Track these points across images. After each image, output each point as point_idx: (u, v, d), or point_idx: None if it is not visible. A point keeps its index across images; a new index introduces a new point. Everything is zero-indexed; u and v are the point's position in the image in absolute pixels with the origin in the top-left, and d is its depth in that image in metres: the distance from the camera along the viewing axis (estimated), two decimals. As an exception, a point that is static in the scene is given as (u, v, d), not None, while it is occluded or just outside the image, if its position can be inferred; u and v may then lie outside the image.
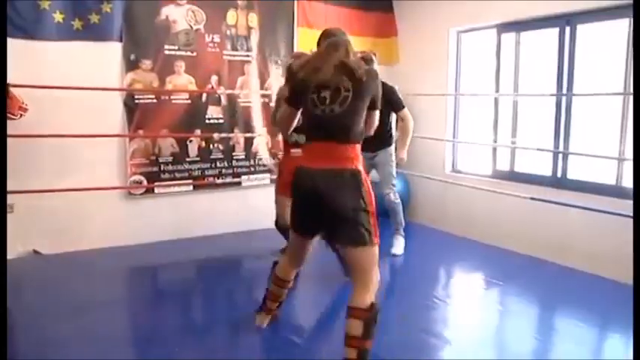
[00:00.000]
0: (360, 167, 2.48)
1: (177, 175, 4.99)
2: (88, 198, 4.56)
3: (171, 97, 4.89)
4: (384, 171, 4.49)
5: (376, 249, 2.47)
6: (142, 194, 4.89)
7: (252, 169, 5.38)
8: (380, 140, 4.15)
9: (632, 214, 3.70)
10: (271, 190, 4.10)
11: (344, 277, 3.64)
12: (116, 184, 4.76)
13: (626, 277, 3.84)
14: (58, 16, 4.34)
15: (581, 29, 4.46)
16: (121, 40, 4.63)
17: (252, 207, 5.31)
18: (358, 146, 2.50)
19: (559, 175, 4.61)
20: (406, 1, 5.88)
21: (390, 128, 4.47)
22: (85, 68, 4.46)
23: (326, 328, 3.34)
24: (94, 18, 4.48)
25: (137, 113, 4.76)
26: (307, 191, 2.49)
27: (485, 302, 3.70)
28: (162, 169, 4.92)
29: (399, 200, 4.54)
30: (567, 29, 4.51)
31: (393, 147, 4.51)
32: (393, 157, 4.49)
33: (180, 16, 4.85)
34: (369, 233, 2.43)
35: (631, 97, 4.13)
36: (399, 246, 4.63)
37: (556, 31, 4.60)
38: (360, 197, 2.42)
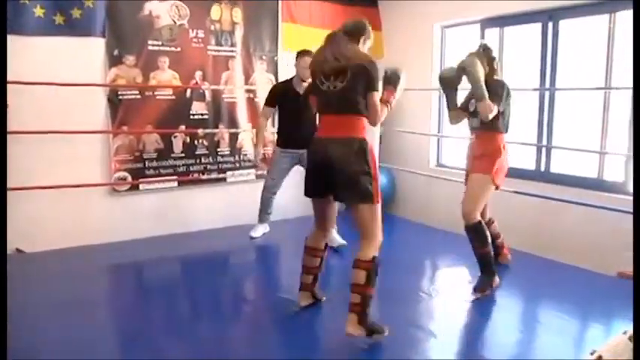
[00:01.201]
0: (366, 136, 2.83)
1: (162, 171, 5.00)
2: (71, 195, 4.55)
3: (155, 92, 4.89)
4: None
5: (378, 208, 2.84)
6: (126, 191, 4.89)
7: (237, 164, 5.40)
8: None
9: (613, 207, 3.87)
10: (256, 186, 4.10)
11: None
12: (100, 181, 4.75)
13: (606, 268, 3.96)
14: (38, 11, 4.31)
15: (564, 24, 4.52)
16: (104, 36, 4.62)
17: (238, 203, 5.32)
18: (364, 119, 2.84)
19: (542, 168, 4.67)
20: (391, -5, 5.90)
21: None
22: (67, 64, 4.43)
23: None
24: (76, 13, 4.45)
25: (121, 109, 4.75)
26: (320, 157, 2.87)
27: (470, 295, 3.69)
28: (146, 165, 4.93)
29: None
30: (550, 24, 4.58)
31: None
32: None
33: (163, 12, 4.84)
34: (372, 193, 2.79)
35: (612, 92, 4.21)
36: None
37: (539, 26, 4.66)
38: (364, 162, 2.79)
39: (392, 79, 3.02)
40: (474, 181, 3.65)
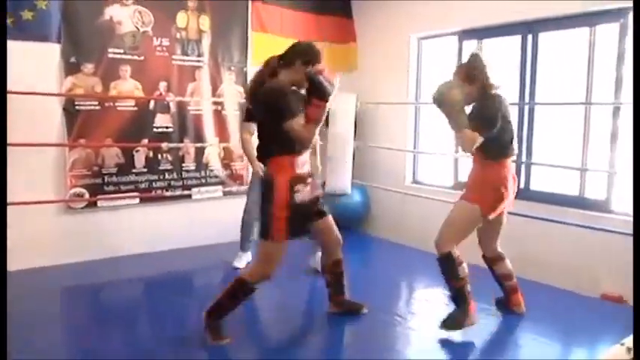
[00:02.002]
0: (280, 170, 2.93)
1: (123, 187, 4.86)
2: (22, 213, 4.29)
3: (116, 103, 4.75)
4: None
5: (274, 246, 2.97)
6: (83, 208, 4.72)
7: (203, 180, 5.27)
8: None
9: (595, 226, 3.83)
10: (224, 204, 3.99)
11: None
12: (54, 198, 4.56)
13: (588, 289, 3.90)
14: (-18, 11, 4.12)
15: (544, 37, 4.51)
16: (59, 41, 4.44)
17: (204, 221, 5.19)
18: (280, 157, 2.93)
19: (522, 186, 4.59)
20: (366, 6, 5.87)
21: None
22: (18, 70, 4.17)
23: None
24: (27, 14, 4.26)
25: (78, 120, 4.58)
26: None
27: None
28: (105, 180, 4.77)
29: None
30: (529, 37, 4.57)
31: None
32: None
33: (125, 17, 4.71)
34: (267, 230, 2.95)
35: (593, 107, 4.19)
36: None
37: (518, 38, 4.64)
38: (268, 199, 2.94)
39: (313, 88, 2.86)
40: (455, 208, 3.40)
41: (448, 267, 3.29)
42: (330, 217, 3.30)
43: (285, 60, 2.96)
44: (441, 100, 3.20)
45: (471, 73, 3.27)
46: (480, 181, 3.37)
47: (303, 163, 3.01)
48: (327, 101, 2.86)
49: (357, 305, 3.59)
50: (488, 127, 3.18)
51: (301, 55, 2.94)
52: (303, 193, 2.94)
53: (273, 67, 2.96)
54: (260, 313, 3.81)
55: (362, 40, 6.02)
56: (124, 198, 4.84)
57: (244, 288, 3.05)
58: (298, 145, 2.91)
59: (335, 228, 3.35)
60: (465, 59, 3.47)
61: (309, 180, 3.04)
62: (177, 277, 4.56)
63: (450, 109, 3.19)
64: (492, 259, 3.62)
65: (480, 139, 3.16)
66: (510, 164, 3.42)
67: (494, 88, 3.31)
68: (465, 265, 3.29)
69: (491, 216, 3.35)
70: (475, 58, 3.35)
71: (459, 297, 3.32)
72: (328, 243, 3.36)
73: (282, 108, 2.80)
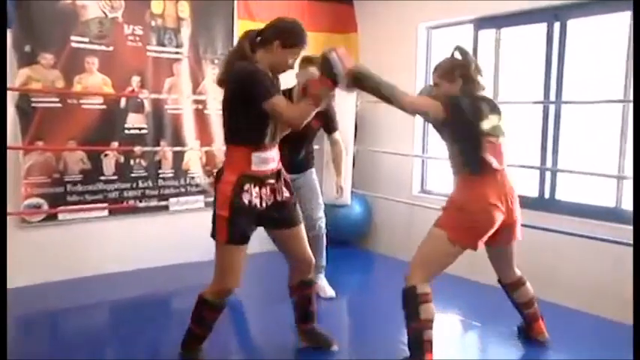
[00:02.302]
0: (237, 165, 2.71)
1: (89, 197, 4.54)
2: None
3: (81, 100, 4.43)
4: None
5: (227, 248, 2.74)
6: (41, 222, 4.34)
7: (183, 189, 4.99)
8: (300, 162, 4.05)
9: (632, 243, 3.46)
10: (206, 216, 3.72)
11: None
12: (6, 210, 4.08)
13: (623, 316, 3.59)
14: None
15: (573, 25, 4.21)
16: (10, 27, 4.00)
17: (183, 235, 4.87)
18: (239, 147, 2.71)
19: (546, 195, 4.40)
20: (367, -8, 5.62)
21: (313, 149, 4.21)
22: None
23: None
24: (-30, -5, 3.88)
25: (35, 120, 4.22)
26: None
27: (462, 348, 3.42)
28: (68, 189, 4.43)
29: (322, 229, 4.16)
30: (556, 25, 4.26)
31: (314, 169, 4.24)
32: (316, 183, 4.21)
33: (91, 1, 4.36)
34: (216, 229, 2.76)
35: (631, 105, 3.84)
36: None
37: (543, 26, 4.34)
38: (216, 196, 2.76)
39: (325, 66, 2.68)
40: (427, 235, 3.01)
41: (408, 304, 2.89)
42: (299, 228, 2.99)
43: (263, 38, 2.71)
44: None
45: (452, 71, 3.01)
46: (457, 201, 2.97)
47: (266, 159, 2.76)
48: (334, 83, 2.67)
49: (326, 339, 3.22)
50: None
51: (281, 35, 2.69)
52: (254, 195, 2.71)
53: (247, 44, 2.70)
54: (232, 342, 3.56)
55: (364, 29, 5.77)
56: (90, 210, 4.55)
57: (207, 307, 2.86)
58: (286, 125, 2.74)
59: (305, 242, 3.03)
60: (451, 53, 3.13)
61: (271, 181, 2.80)
62: (151, 300, 4.27)
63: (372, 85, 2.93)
64: (510, 285, 3.30)
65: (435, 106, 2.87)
66: (504, 177, 2.99)
67: (480, 89, 3.02)
68: (431, 305, 2.87)
69: (479, 247, 2.94)
70: (460, 54, 3.06)
71: (412, 343, 2.89)
72: (295, 258, 3.04)
73: (256, 88, 2.59)
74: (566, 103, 4.26)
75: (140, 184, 4.77)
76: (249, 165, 2.69)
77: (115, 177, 4.64)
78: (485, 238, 2.94)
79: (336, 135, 4.08)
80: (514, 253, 3.21)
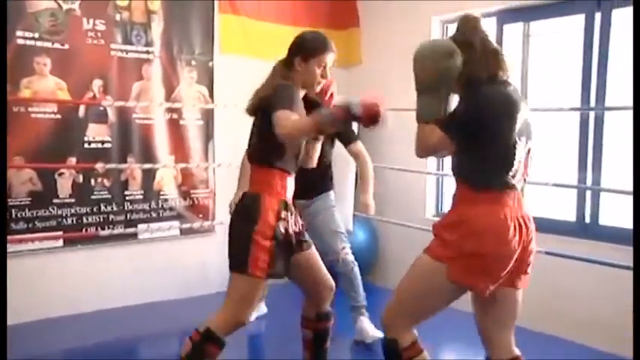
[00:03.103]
0: (266, 187, 2.69)
1: (39, 224, 4.30)
2: None
3: (30, 108, 4.21)
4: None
5: (251, 281, 2.65)
6: None
7: (154, 214, 4.80)
8: (317, 182, 3.89)
9: None
10: (181, 245, 3.50)
11: None
12: None
13: None
14: None
15: (619, 15, 3.93)
16: None
17: (154, 269, 4.68)
18: (265, 168, 2.69)
19: (587, 220, 4.17)
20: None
21: (331, 165, 4.06)
22: None
23: None
24: None
25: None
26: None
27: None
28: (14, 215, 4.19)
29: (350, 262, 3.93)
30: (597, 16, 4.00)
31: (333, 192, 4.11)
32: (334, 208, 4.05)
33: None
34: (244, 260, 2.67)
35: None
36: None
37: (581, 18, 4.10)
38: (247, 222, 2.67)
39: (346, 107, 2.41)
40: (413, 265, 2.46)
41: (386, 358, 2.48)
42: (315, 250, 2.94)
43: (286, 61, 2.76)
44: (415, 60, 2.32)
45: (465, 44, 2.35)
46: (457, 224, 2.31)
47: (292, 184, 2.78)
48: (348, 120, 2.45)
49: None
50: (459, 127, 2.25)
51: (297, 50, 2.74)
52: (291, 224, 2.74)
53: (280, 69, 2.78)
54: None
55: (367, 24, 5.63)
56: (41, 239, 4.32)
57: (212, 342, 2.65)
58: (280, 137, 2.59)
59: (322, 265, 2.95)
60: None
61: (294, 208, 2.82)
62: (114, 349, 3.98)
63: (424, 78, 2.30)
64: None
65: (439, 140, 2.24)
66: (516, 198, 2.33)
67: (503, 75, 2.34)
68: (425, 358, 2.42)
69: (488, 291, 2.29)
70: (469, 21, 2.41)
71: None
72: (316, 285, 2.94)
73: (272, 99, 2.56)
74: (609, 109, 4.01)
75: (103, 208, 4.55)
76: (285, 190, 2.72)
77: (72, 200, 4.42)
78: (501, 279, 2.31)
79: (358, 145, 3.93)
80: (516, 312, 2.46)
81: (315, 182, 3.77)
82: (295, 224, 2.81)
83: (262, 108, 2.66)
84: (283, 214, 2.68)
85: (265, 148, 2.69)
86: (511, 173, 2.24)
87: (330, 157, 3.98)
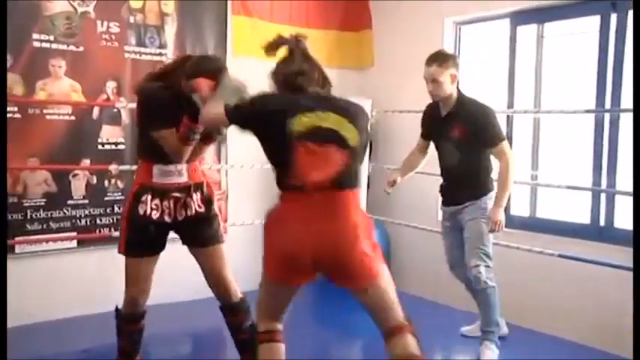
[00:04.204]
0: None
1: (54, 225, 4.34)
2: None
3: (45, 110, 4.26)
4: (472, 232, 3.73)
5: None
6: None
7: None
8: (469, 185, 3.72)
9: None
10: None
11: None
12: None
13: None
14: None
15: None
16: None
17: (165, 270, 4.28)
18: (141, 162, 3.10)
19: (602, 222, 4.14)
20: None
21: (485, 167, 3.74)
22: None
23: None
24: None
25: None
26: None
27: None
28: (29, 216, 4.22)
29: (493, 283, 3.62)
30: (613, 17, 3.98)
31: (488, 197, 3.71)
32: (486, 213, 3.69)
33: None
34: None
35: None
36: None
37: (596, 19, 4.09)
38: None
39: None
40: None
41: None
42: (215, 249, 3.08)
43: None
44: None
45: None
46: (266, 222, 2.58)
47: (169, 171, 2.96)
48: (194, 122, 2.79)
49: None
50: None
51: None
52: (153, 207, 2.93)
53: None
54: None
55: (380, 26, 5.63)
56: (55, 240, 4.35)
57: (120, 318, 3.14)
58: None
59: (219, 265, 3.08)
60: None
61: (178, 194, 2.96)
62: None
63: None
64: None
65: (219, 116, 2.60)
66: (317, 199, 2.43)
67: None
68: (276, 345, 2.65)
69: (277, 277, 2.54)
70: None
71: None
72: (207, 280, 3.14)
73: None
74: (624, 111, 3.98)
75: (116, 209, 4.56)
76: (149, 177, 2.95)
77: (86, 201, 4.47)
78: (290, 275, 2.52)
79: (503, 146, 3.60)
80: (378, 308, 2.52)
81: (468, 186, 3.67)
82: (174, 211, 2.98)
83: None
84: (143, 197, 2.93)
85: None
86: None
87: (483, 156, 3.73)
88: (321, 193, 2.34)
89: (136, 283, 3.02)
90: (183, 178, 2.98)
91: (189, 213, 2.97)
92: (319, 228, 2.36)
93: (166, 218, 2.92)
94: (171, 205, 2.93)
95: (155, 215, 2.90)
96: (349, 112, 2.45)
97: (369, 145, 4.90)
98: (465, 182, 3.61)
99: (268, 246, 2.49)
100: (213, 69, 2.82)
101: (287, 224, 2.41)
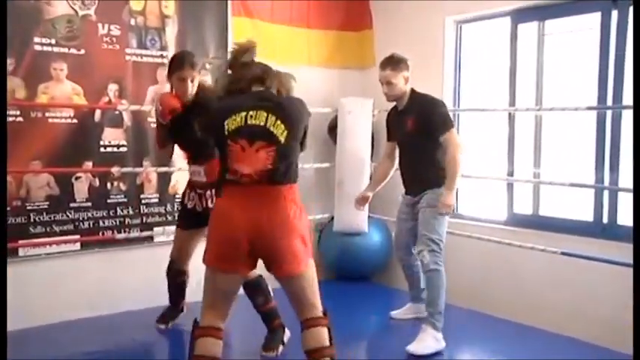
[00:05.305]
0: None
1: (57, 228, 4.34)
2: None
3: (47, 113, 4.27)
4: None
5: None
6: None
7: (170, 217, 4.80)
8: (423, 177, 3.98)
9: None
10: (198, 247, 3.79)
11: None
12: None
13: None
14: None
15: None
16: None
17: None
18: None
19: (605, 220, 4.15)
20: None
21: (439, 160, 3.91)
22: None
23: None
24: None
25: None
26: None
27: None
28: (32, 219, 4.23)
29: (436, 266, 3.77)
30: (614, 13, 3.99)
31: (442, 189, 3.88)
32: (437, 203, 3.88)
33: None
34: None
35: None
36: (420, 342, 3.70)
37: (597, 16, 4.09)
38: None
39: None
40: None
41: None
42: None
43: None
44: None
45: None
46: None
47: (194, 171, 3.80)
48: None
49: None
50: None
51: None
52: (190, 198, 3.84)
53: None
54: None
55: (381, 26, 5.63)
56: (58, 243, 4.34)
57: (167, 271, 4.05)
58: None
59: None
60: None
61: (200, 191, 3.76)
62: (132, 351, 4.01)
63: None
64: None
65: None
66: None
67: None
68: (213, 341, 2.76)
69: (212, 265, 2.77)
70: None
71: None
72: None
73: None
74: (626, 108, 3.98)
75: (119, 212, 4.60)
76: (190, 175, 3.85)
77: (89, 204, 4.47)
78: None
79: (451, 133, 3.79)
80: (303, 296, 2.78)
81: (421, 178, 3.93)
82: (200, 204, 3.77)
83: None
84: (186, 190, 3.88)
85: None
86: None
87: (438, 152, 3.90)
88: (254, 187, 2.62)
89: (177, 247, 3.98)
90: (202, 178, 3.74)
91: (208, 205, 3.64)
92: (255, 215, 2.62)
93: (197, 208, 3.76)
94: (196, 198, 3.77)
95: (190, 205, 3.82)
96: (282, 109, 2.67)
97: (371, 142, 4.99)
98: (419, 174, 3.92)
99: (210, 233, 2.75)
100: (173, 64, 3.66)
101: (225, 213, 2.68)
